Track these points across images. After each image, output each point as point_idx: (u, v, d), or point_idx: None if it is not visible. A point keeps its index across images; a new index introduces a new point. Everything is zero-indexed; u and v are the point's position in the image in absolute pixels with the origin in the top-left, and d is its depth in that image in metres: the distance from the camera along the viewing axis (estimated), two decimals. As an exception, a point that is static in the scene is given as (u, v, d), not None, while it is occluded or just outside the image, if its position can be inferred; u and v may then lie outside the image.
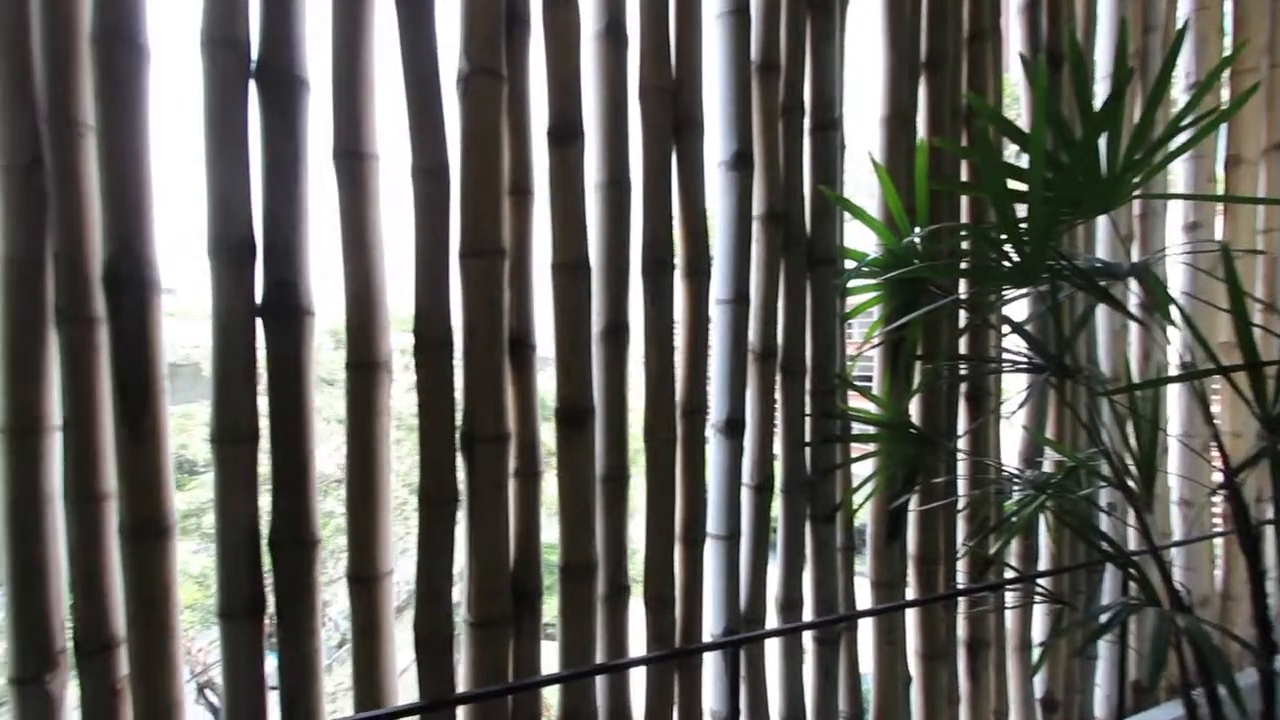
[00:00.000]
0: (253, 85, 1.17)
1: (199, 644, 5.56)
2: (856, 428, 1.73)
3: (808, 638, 1.75)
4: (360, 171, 1.22)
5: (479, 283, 1.28)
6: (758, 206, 1.60)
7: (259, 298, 1.18)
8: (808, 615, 1.74)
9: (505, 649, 1.40)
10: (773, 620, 1.70)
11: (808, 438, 1.69)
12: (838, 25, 1.69)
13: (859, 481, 1.69)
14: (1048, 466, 1.96)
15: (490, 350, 1.30)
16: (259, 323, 1.19)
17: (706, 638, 1.63)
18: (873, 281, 1.70)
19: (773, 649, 1.73)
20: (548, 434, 1.45)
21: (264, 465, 1.22)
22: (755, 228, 1.60)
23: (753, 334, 1.62)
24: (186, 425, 5.37)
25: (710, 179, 1.55)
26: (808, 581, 1.74)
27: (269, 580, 1.25)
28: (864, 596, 1.83)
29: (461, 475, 1.33)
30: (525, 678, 1.42)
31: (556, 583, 1.48)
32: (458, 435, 1.32)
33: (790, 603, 1.71)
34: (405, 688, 1.36)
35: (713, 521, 1.62)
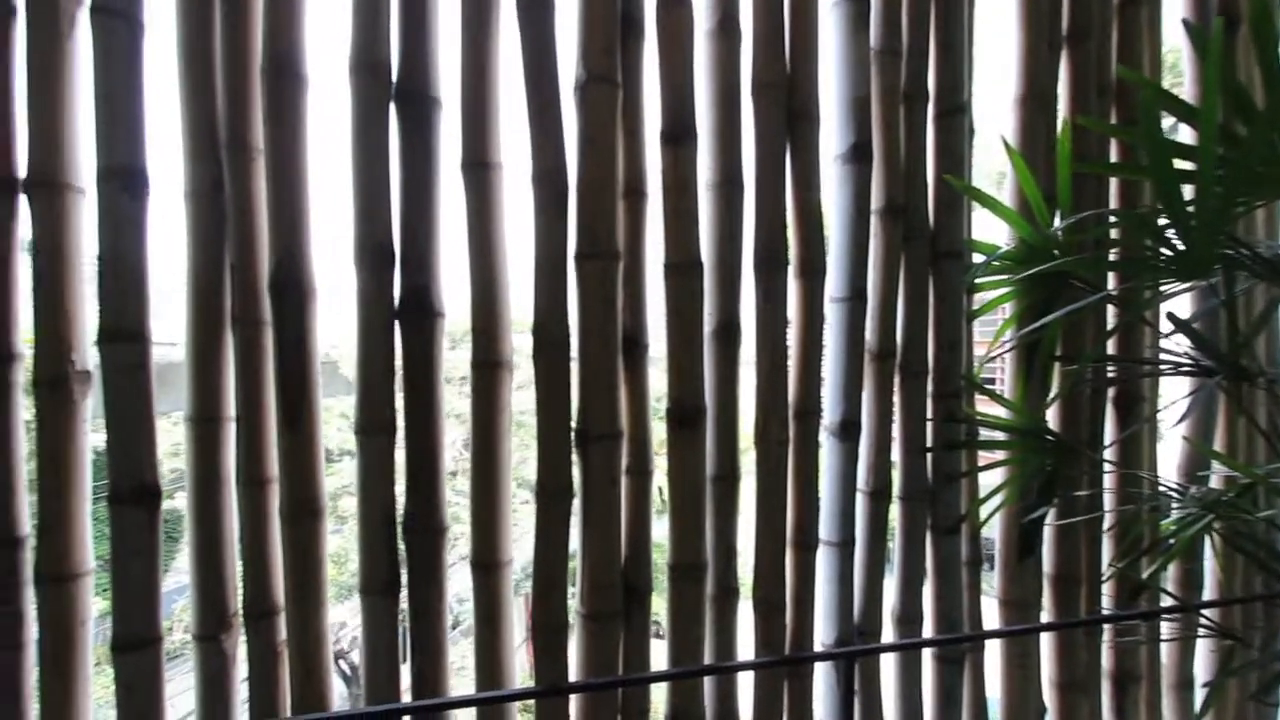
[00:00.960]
0: (392, 106, 1.26)
1: (333, 616, 6.12)
2: (984, 434, 1.61)
3: (928, 656, 1.65)
4: (485, 181, 1.29)
5: (594, 284, 1.32)
6: (876, 200, 1.53)
7: (397, 302, 1.28)
8: (927, 632, 1.65)
9: (616, 643, 1.43)
10: (889, 634, 1.62)
11: (928, 443, 1.60)
12: (965, 2, 1.58)
13: (986, 492, 1.58)
14: (1215, 482, 1.73)
15: (604, 350, 1.33)
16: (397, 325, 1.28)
17: (817, 647, 1.58)
18: (1004, 277, 1.58)
19: (888, 664, 1.65)
20: (659, 433, 1.46)
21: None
22: (874, 222, 1.53)
23: (870, 333, 1.55)
24: (325, 418, 5.91)
25: (825, 173, 1.50)
26: (927, 596, 1.64)
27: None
28: (990, 616, 1.70)
29: (576, 471, 1.37)
30: (634, 673, 1.45)
31: (666, 581, 1.50)
32: (573, 432, 1.36)
33: (908, 617, 1.62)
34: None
35: (825, 527, 1.57)
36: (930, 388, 1.59)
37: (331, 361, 5.90)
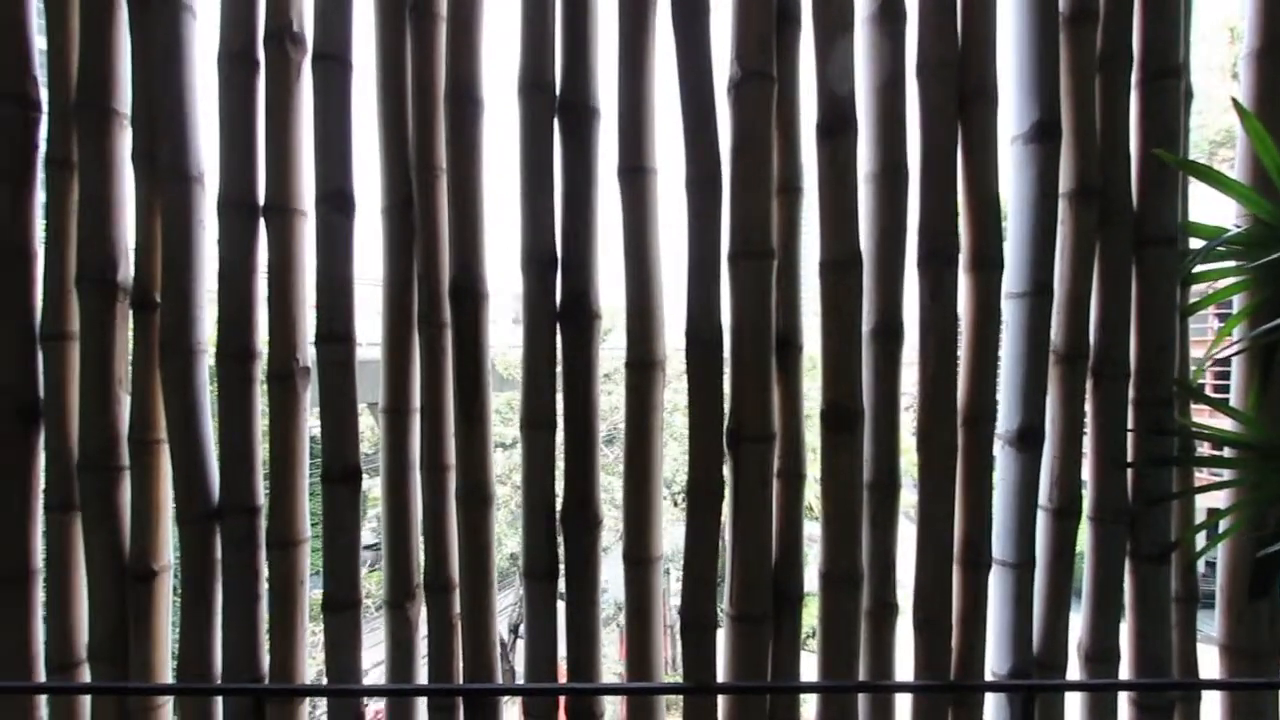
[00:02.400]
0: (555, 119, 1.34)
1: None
2: (1202, 448, 1.38)
3: (1125, 700, 1.45)
4: (642, 185, 1.33)
5: (749, 284, 1.30)
6: (1065, 182, 1.36)
7: (558, 304, 1.35)
8: (1125, 673, 1.44)
9: (764, 647, 1.40)
10: (1075, 672, 1.44)
11: (1129, 457, 1.40)
12: (1181, -53, 1.36)
13: (1203, 516, 1.35)
14: None
15: (758, 350, 1.31)
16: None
17: (987, 676, 1.44)
18: (1232, 264, 1.34)
19: (1074, 705, 1.46)
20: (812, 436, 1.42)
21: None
22: (1062, 207, 1.37)
23: (1056, 331, 1.38)
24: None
25: (1003, 156, 1.37)
26: (1126, 632, 1.44)
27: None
28: (1209, 663, 1.45)
29: (727, 471, 1.37)
30: (784, 680, 1.42)
31: (818, 590, 1.45)
32: (725, 432, 1.35)
33: (1101, 654, 1.43)
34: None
35: (999, 546, 1.43)
36: (1132, 394, 1.39)
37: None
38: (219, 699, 1.44)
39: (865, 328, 1.37)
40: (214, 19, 1.35)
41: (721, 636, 1.42)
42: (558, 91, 1.34)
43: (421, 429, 1.42)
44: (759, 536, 1.37)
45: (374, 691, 1.35)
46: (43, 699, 1.45)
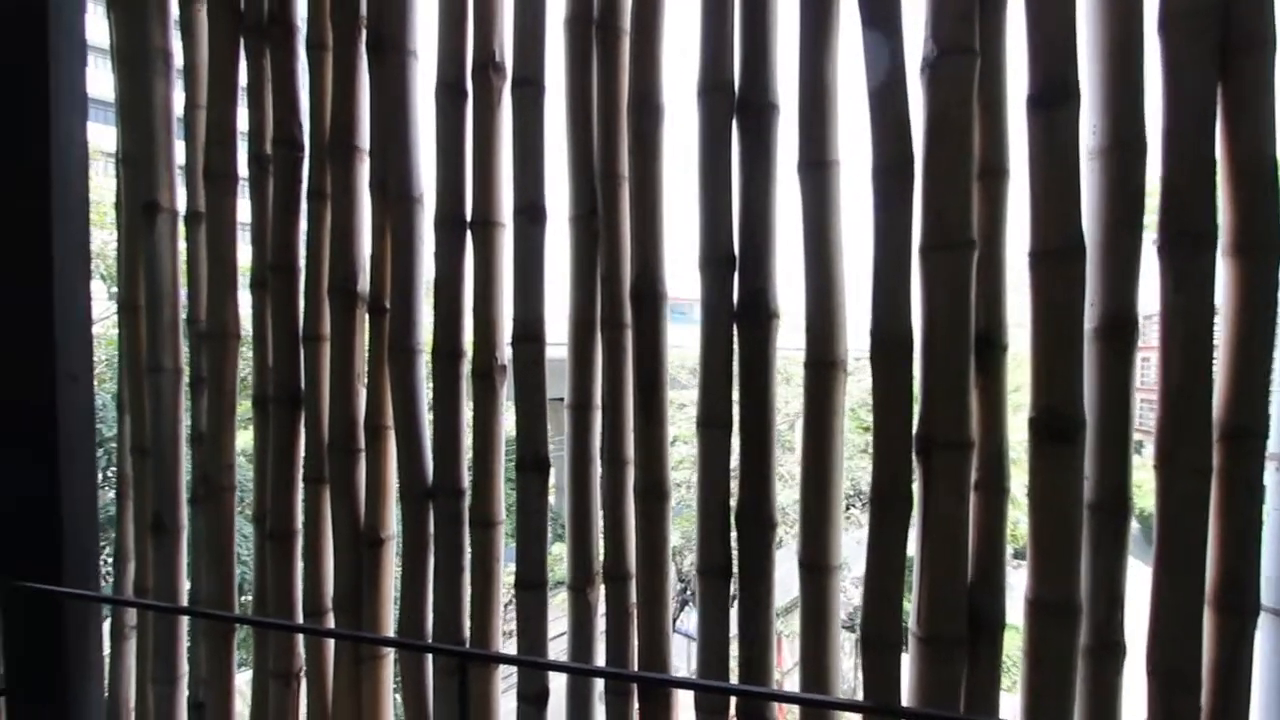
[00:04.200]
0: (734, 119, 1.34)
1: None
2: None
3: None
4: (822, 179, 1.28)
5: (944, 278, 1.20)
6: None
7: (736, 304, 1.35)
8: None
9: (957, 675, 1.28)
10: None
11: None
12: None
13: None
14: None
15: (955, 349, 1.21)
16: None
17: (1252, 745, 1.19)
18: None
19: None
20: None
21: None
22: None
23: (1362, 329, 1.11)
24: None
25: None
26: None
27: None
28: None
29: (916, 481, 1.28)
30: (979, 714, 1.29)
31: (1023, 619, 1.30)
32: (914, 438, 1.26)
33: None
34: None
35: (1270, 590, 1.18)
36: None
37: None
38: (429, 656, 1.63)
39: (1088, 325, 1.20)
40: (432, 59, 1.54)
41: (907, 658, 1.33)
42: (736, 91, 1.34)
43: (603, 424, 1.49)
44: (953, 554, 1.26)
45: (558, 667, 1.45)
46: (300, 636, 1.74)
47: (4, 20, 1.74)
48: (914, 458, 1.27)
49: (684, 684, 1.32)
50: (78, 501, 1.78)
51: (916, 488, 1.29)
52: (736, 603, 1.43)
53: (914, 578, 1.32)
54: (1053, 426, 1.20)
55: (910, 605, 1.33)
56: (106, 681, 1.86)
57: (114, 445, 2.16)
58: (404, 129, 1.55)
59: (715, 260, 1.35)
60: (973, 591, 1.28)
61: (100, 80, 1.88)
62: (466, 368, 1.56)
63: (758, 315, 1.34)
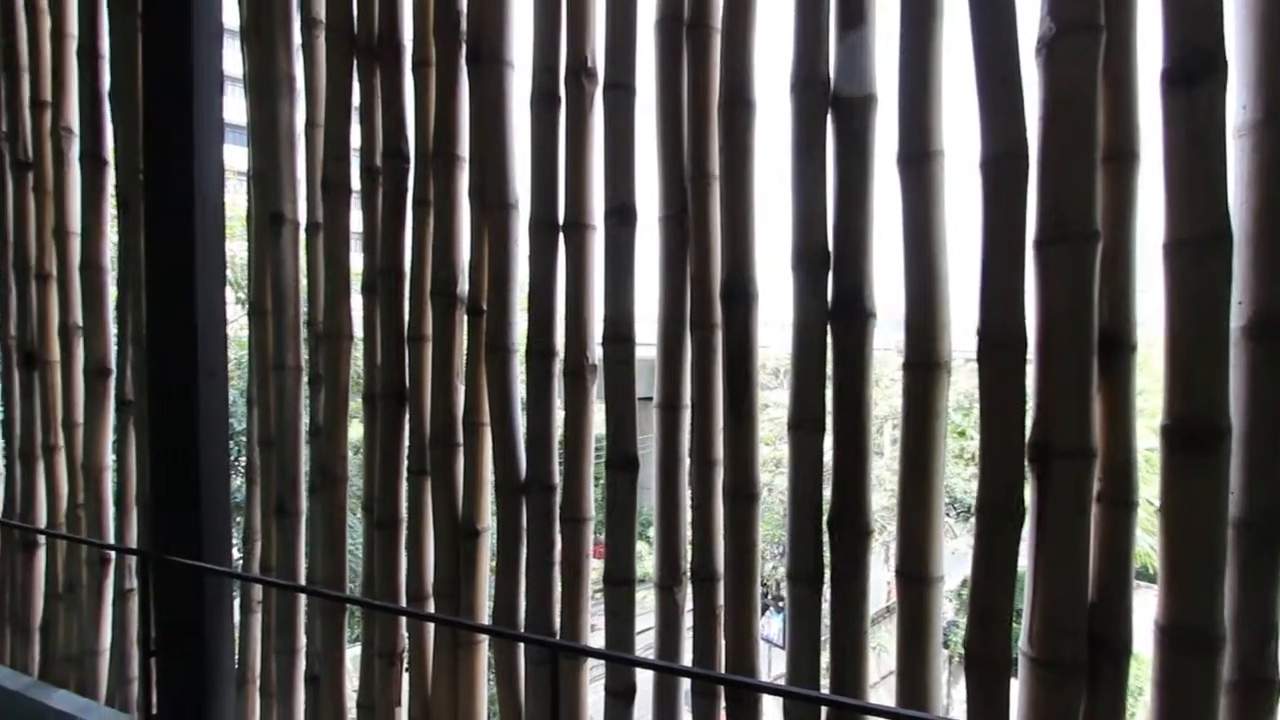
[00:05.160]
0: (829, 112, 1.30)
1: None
2: None
3: None
4: (925, 172, 1.23)
5: (1062, 272, 1.12)
6: None
7: (830, 303, 1.31)
8: None
9: (1074, 701, 1.19)
10: None
11: None
12: None
13: None
14: None
15: (1075, 350, 1.12)
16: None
17: None
18: None
19: None
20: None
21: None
22: None
23: None
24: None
25: None
26: None
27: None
28: None
29: (1028, 491, 1.19)
30: (1102, 745, 1.18)
31: (1153, 646, 1.18)
32: (1026, 446, 1.18)
33: None
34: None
35: None
36: None
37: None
38: (521, 645, 1.69)
39: (1234, 323, 1.08)
40: (527, 68, 1.60)
41: (1018, 682, 1.24)
42: (831, 83, 1.30)
43: (691, 424, 1.49)
44: (1071, 571, 1.16)
45: (647, 664, 1.46)
46: (403, 618, 1.85)
47: (154, 58, 1.96)
48: (1027, 466, 1.19)
49: (775, 690, 1.30)
50: (215, 486, 1.97)
51: (1029, 498, 1.20)
52: (828, 610, 1.39)
53: (1025, 594, 1.23)
54: (1190, 434, 1.08)
55: (1021, 624, 1.24)
56: (237, 650, 2.05)
57: (243, 437, 2.38)
58: (500, 137, 1.62)
59: (809, 258, 1.31)
60: (1094, 613, 1.18)
61: (233, 106, 2.08)
62: (558, 367, 1.60)
63: (853, 314, 1.30)
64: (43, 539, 2.38)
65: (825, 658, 1.39)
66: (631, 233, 1.50)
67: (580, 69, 1.53)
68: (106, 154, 2.22)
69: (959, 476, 10.37)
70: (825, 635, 1.39)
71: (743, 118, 1.36)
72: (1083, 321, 1.11)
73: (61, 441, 2.34)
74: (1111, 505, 1.16)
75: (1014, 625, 1.24)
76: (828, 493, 1.37)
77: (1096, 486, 1.17)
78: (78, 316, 2.30)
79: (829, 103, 1.30)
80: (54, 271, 2.32)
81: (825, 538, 1.37)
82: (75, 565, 2.30)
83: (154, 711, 1.94)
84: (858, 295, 1.29)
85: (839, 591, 1.37)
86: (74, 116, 2.28)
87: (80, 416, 2.30)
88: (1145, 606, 1.21)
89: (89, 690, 2.24)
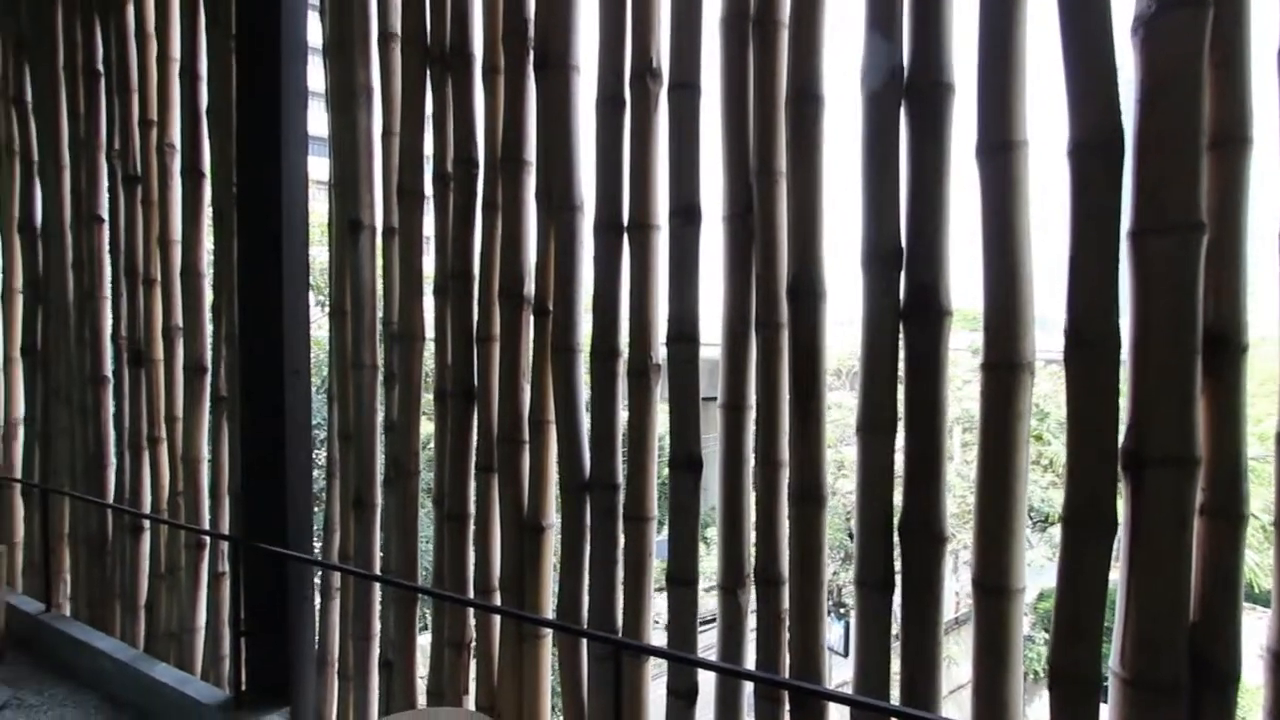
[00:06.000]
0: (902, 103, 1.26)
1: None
2: None
3: None
4: (1006, 162, 1.17)
5: (1162, 266, 1.04)
6: None
7: (902, 301, 1.27)
8: None
9: (1172, 727, 1.11)
10: None
11: None
12: None
13: None
14: None
15: (1176, 350, 1.04)
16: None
17: None
18: None
19: None
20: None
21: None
22: None
23: None
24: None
25: None
26: None
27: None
28: None
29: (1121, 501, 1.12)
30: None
31: (1264, 671, 1.09)
32: (1119, 452, 1.11)
33: None
34: None
35: None
36: None
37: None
38: (584, 641, 1.71)
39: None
40: (592, 71, 1.62)
41: (1110, 703, 1.17)
42: (905, 73, 1.26)
43: (756, 425, 1.47)
44: (1170, 588, 1.08)
45: (711, 666, 1.45)
46: (470, 609, 1.91)
47: (246, 76, 2.10)
48: (1119, 474, 1.11)
49: (845, 699, 1.27)
50: (298, 479, 2.10)
51: (1122, 508, 1.13)
52: (899, 619, 1.35)
53: (1117, 611, 1.16)
54: (1315, 443, 0.99)
55: (1112, 641, 1.17)
56: (317, 634, 2.17)
57: (322, 432, 2.52)
58: (566, 141, 1.65)
59: (880, 255, 1.28)
60: (1195, 634, 1.09)
61: (315, 119, 2.20)
62: (623, 366, 1.62)
63: (928, 313, 1.25)
64: (148, 523, 2.59)
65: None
66: (696, 232, 1.50)
67: (645, 70, 1.54)
68: (204, 167, 2.39)
69: (1035, 484, 9.87)
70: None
71: (811, 112, 1.33)
72: (1185, 319, 1.03)
73: (164, 434, 2.53)
74: (1216, 518, 1.08)
75: (1104, 642, 1.17)
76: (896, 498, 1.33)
77: (1199, 498, 1.08)
78: (178, 318, 2.48)
79: (903, 93, 1.26)
80: (158, 276, 2.51)
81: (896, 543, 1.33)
82: (175, 549, 2.48)
83: (243, 688, 2.07)
84: (933, 293, 1.24)
85: (910, 600, 1.32)
86: (176, 133, 2.47)
87: (180, 411, 2.49)
88: (1254, 630, 1.12)
89: (187, 665, 2.41)
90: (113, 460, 2.73)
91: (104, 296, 2.69)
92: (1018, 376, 1.18)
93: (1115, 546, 1.14)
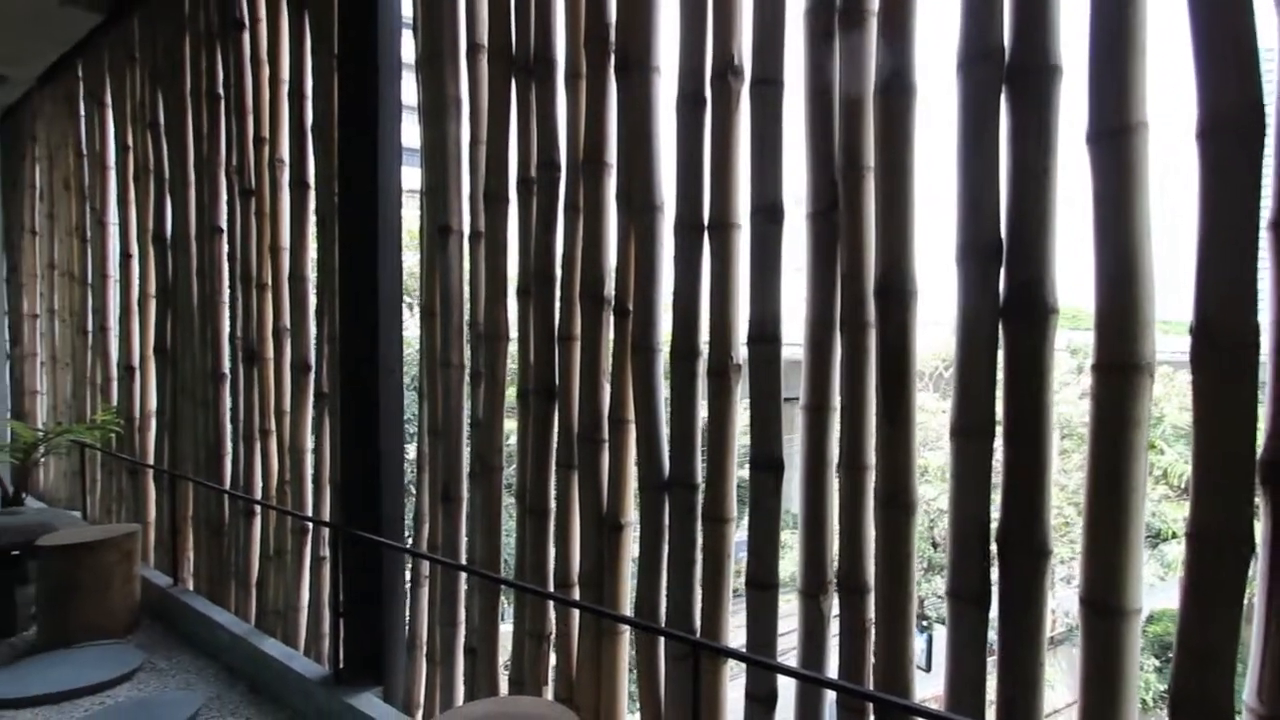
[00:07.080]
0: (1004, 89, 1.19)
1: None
2: None
3: None
4: (1123, 147, 1.08)
5: (1312, 259, 0.94)
6: None
7: (1002, 298, 1.20)
8: None
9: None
10: None
11: None
12: None
13: None
14: None
15: (1328, 352, 0.93)
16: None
17: None
18: None
19: None
20: None
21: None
22: None
23: None
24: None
25: None
26: None
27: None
28: None
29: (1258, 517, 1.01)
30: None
31: None
32: (1257, 464, 1.00)
33: None
34: None
35: None
36: None
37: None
38: (662, 639, 1.72)
39: None
40: (673, 71, 1.62)
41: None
42: (1006, 57, 1.19)
43: (841, 427, 1.43)
44: (1320, 615, 0.97)
45: (792, 673, 1.42)
46: (550, 602, 1.95)
47: (346, 93, 2.25)
48: (1258, 489, 1.01)
49: (936, 716, 1.21)
50: (392, 472, 2.22)
51: (1260, 527, 1.02)
52: (997, 635, 1.27)
53: (1254, 638, 1.04)
54: None
55: (1248, 672, 1.06)
56: (407, 620, 2.29)
57: (414, 427, 2.66)
58: (647, 142, 1.66)
59: (978, 250, 1.21)
60: (1351, 668, 0.97)
61: (408, 130, 2.33)
62: (702, 366, 1.61)
63: (1031, 311, 1.17)
64: (259, 508, 2.82)
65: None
66: (778, 230, 1.48)
67: (726, 68, 1.53)
68: (309, 179, 2.58)
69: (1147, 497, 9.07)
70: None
71: (902, 103, 1.28)
72: (1340, 316, 0.92)
73: (273, 426, 2.75)
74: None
75: (1238, 673, 1.06)
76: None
77: (1358, 517, 0.96)
78: (286, 320, 2.69)
79: (1003, 78, 1.19)
80: (269, 281, 2.73)
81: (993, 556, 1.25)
82: (283, 533, 2.69)
83: (341, 665, 2.22)
84: (1037, 289, 1.17)
85: (1010, 617, 1.24)
86: (285, 149, 2.67)
87: (287, 406, 2.69)
88: None
89: (291, 641, 2.60)
90: (229, 450, 2.99)
91: (222, 301, 2.97)
92: (1135, 379, 1.09)
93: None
